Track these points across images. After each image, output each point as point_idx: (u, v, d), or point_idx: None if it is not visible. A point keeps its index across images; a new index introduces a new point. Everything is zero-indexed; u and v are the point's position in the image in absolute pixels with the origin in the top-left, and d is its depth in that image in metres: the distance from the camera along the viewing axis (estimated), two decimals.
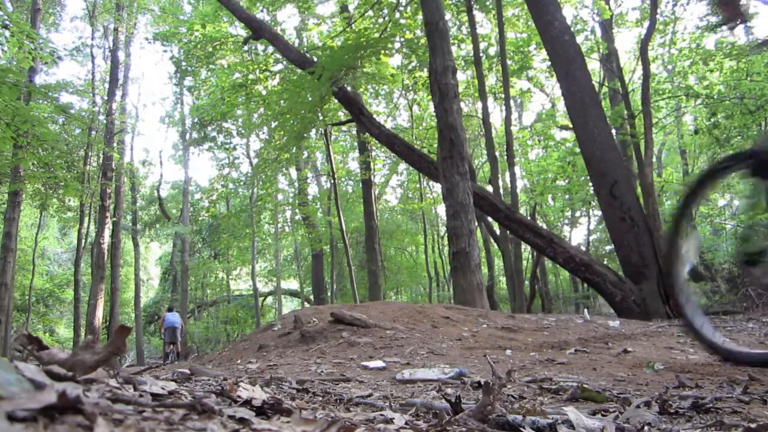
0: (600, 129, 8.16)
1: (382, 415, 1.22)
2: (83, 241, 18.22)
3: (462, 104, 14.12)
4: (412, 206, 21.37)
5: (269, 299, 29.04)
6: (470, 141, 19.13)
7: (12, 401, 0.58)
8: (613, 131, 11.23)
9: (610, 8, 12.82)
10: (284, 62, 12.97)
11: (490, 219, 13.35)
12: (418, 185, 20.96)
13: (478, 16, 13.04)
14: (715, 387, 1.98)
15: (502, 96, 11.27)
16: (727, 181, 17.79)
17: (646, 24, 11.58)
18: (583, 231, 22.45)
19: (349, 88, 11.00)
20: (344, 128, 17.83)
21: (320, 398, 1.74)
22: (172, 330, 14.01)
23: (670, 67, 16.07)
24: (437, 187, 17.49)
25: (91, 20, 18.71)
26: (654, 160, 16.09)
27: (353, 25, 12.56)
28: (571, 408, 1.27)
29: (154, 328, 28.36)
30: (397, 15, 11.66)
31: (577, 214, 20.86)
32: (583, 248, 17.67)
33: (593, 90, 8.68)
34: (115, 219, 18.08)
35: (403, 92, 16.97)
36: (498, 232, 13.57)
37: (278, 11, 13.96)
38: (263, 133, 16.88)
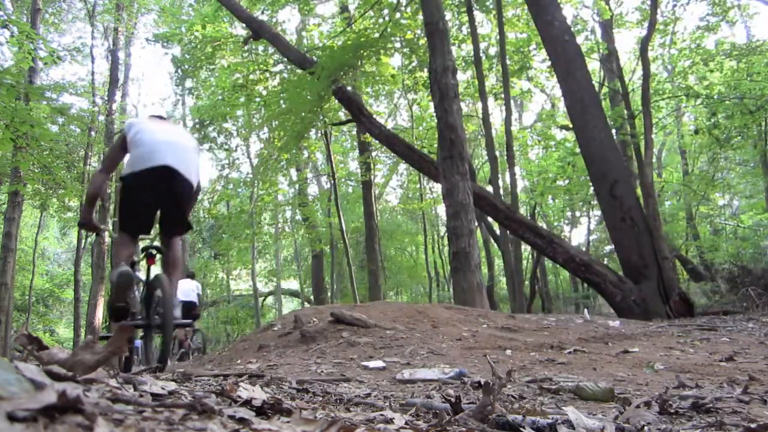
0: (600, 129, 8.16)
1: (382, 415, 1.21)
2: (83, 241, 18.20)
3: (462, 104, 14.09)
4: (412, 206, 21.34)
5: (269, 299, 29.03)
6: (470, 141, 19.11)
7: (12, 401, 0.58)
8: (613, 131, 11.23)
9: (610, 8, 12.81)
10: (284, 62, 12.95)
11: (490, 219, 13.35)
12: (418, 185, 20.94)
13: (478, 16, 13.01)
14: (715, 387, 1.98)
15: (502, 96, 11.25)
16: (727, 181, 17.86)
17: (646, 24, 11.57)
18: (583, 231, 22.43)
19: (349, 88, 10.99)
20: (344, 128, 17.82)
21: (320, 398, 1.74)
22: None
23: (670, 67, 16.06)
24: (437, 187, 17.48)
25: (91, 20, 18.67)
26: (654, 160, 16.09)
27: (353, 25, 12.55)
28: (571, 408, 1.27)
29: None
30: (397, 15, 11.64)
31: (577, 214, 20.84)
32: (583, 248, 17.65)
33: (593, 90, 8.68)
34: (115, 219, 18.06)
35: (403, 92, 16.95)
36: (498, 232, 13.56)
37: (278, 12, 13.92)
38: (263, 133, 16.87)
